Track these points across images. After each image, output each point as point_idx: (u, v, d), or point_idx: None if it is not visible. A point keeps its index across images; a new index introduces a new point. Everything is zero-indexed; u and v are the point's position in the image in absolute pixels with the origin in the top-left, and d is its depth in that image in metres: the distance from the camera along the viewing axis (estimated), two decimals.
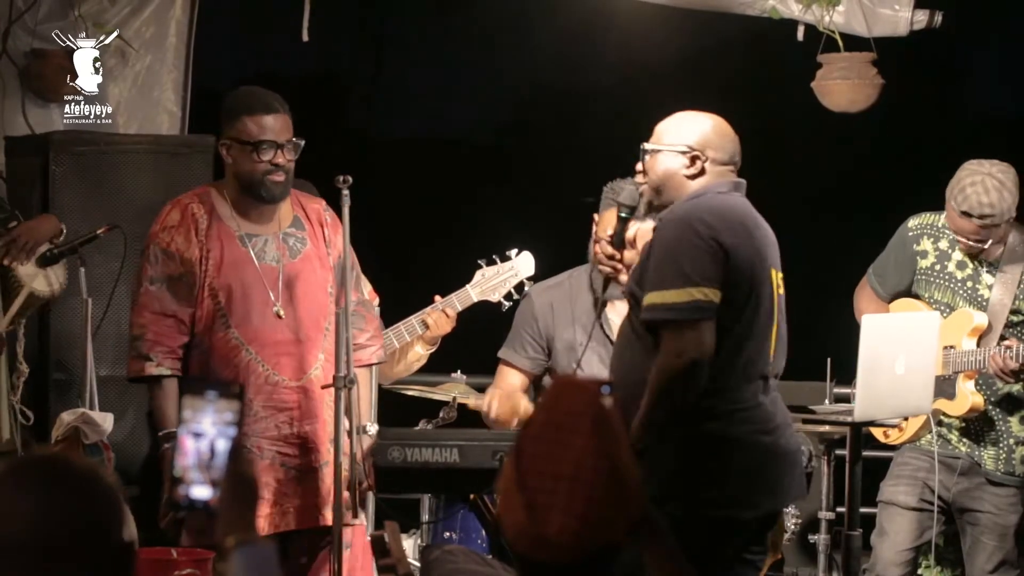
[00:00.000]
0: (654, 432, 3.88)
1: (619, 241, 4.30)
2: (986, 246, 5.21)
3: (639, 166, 4.22)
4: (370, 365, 4.97)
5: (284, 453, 4.72)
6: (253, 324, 4.70)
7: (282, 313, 4.71)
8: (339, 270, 4.86)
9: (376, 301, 5.22)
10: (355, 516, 4.74)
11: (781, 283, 4.18)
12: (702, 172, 4.14)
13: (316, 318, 4.76)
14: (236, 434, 2.46)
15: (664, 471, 3.92)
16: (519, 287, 5.47)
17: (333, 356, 4.67)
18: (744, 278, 3.99)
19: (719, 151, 4.18)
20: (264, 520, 4.66)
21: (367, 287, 5.09)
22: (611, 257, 4.30)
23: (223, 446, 2.44)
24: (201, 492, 2.44)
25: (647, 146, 4.20)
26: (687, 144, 4.15)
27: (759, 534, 4.08)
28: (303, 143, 4.76)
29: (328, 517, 4.65)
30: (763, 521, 4.08)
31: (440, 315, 5.44)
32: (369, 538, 4.62)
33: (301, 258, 4.80)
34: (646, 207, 4.23)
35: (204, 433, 2.44)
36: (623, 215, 4.30)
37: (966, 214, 5.16)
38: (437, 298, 5.48)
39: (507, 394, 5.21)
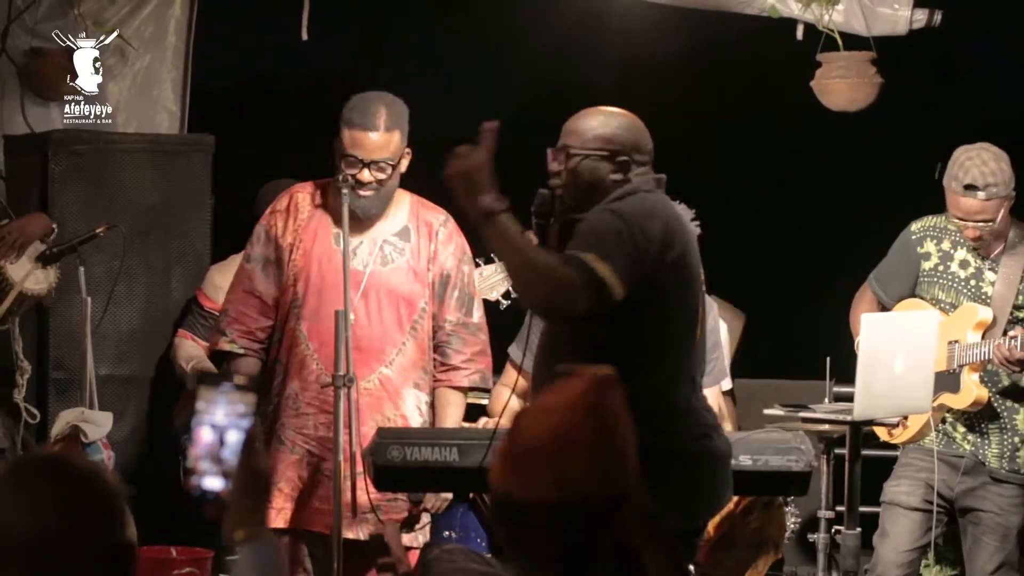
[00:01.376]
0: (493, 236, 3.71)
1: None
2: (996, 224, 5.20)
3: (554, 166, 3.99)
4: (461, 388, 4.89)
5: (315, 454, 4.72)
6: (320, 321, 4.70)
7: (352, 317, 4.66)
8: (439, 286, 4.83)
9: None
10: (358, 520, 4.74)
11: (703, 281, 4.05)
12: (628, 176, 3.94)
13: (388, 330, 4.75)
14: (249, 427, 2.46)
15: None
16: None
17: (401, 371, 4.72)
18: (673, 282, 3.84)
19: (643, 152, 3.98)
20: (277, 514, 4.66)
21: (478, 311, 4.94)
22: None
23: (235, 438, 2.45)
24: (213, 483, 2.45)
25: (572, 149, 3.96)
26: (615, 148, 3.95)
27: (692, 542, 3.98)
28: (400, 162, 4.74)
29: (352, 530, 4.65)
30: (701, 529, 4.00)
31: None
32: (367, 537, 4.64)
33: (393, 268, 4.79)
34: (564, 211, 3.96)
35: (217, 424, 2.45)
36: (540, 223, 3.99)
37: (971, 187, 5.17)
38: None
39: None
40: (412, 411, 4.80)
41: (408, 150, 4.79)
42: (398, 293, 4.77)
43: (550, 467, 2.37)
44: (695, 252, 3.96)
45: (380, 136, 4.70)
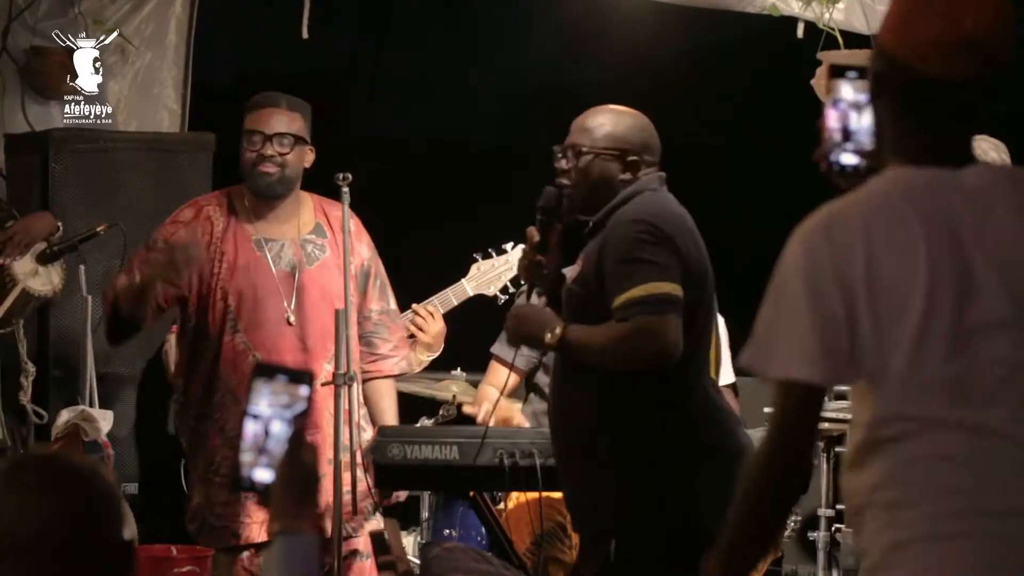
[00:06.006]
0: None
1: (543, 247, 4.03)
2: None
3: (563, 164, 3.99)
4: (393, 376, 4.94)
5: None
6: (262, 329, 4.70)
7: (292, 320, 4.69)
8: (361, 278, 4.85)
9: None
10: (359, 521, 4.73)
11: None
12: (636, 176, 3.95)
13: (327, 327, 4.71)
14: (296, 420, 2.47)
15: (641, 493, 3.87)
16: (515, 280, 5.45)
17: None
18: (695, 279, 3.87)
19: (652, 153, 4.00)
20: (259, 527, 4.64)
21: (393, 299, 5.02)
22: (537, 264, 4.04)
23: (279, 429, 2.46)
24: (263, 475, 2.46)
25: (582, 147, 3.95)
26: (625, 148, 3.96)
27: None
28: (301, 142, 4.76)
29: (328, 528, 4.61)
30: None
31: (426, 316, 5.42)
32: (369, 535, 4.64)
33: (318, 265, 4.79)
34: (571, 210, 3.99)
35: (262, 415, 2.46)
36: (543, 219, 4.01)
37: None
38: (414, 305, 5.46)
39: (502, 407, 5.11)
40: (355, 403, 4.77)
41: (312, 149, 4.81)
42: (329, 289, 4.78)
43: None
44: (703, 248, 3.98)
45: (284, 113, 4.75)
